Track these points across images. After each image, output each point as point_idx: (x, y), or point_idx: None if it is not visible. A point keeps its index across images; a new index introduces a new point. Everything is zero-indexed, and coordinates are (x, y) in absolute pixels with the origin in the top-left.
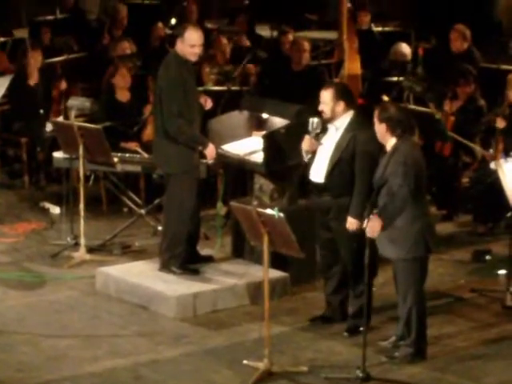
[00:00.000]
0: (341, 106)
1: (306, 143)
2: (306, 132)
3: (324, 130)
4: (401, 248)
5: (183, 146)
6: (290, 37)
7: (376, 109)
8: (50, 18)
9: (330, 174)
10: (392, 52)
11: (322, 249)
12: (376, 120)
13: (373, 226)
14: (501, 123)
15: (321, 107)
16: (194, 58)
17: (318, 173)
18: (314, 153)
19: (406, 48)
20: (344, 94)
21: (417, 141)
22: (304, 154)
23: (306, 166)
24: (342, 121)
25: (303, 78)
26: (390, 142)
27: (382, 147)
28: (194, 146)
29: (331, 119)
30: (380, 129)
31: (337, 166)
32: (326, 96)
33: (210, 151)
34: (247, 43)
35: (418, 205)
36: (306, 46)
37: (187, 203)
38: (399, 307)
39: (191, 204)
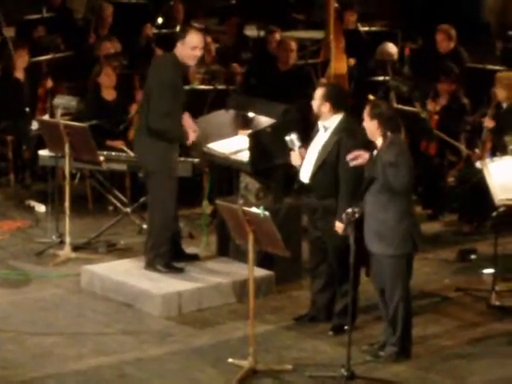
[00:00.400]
0: (326, 107)
1: (294, 159)
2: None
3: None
4: (389, 244)
5: (162, 146)
6: (277, 36)
7: (367, 106)
8: (36, 16)
9: (315, 176)
10: (378, 52)
11: (312, 246)
12: (367, 117)
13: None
14: (489, 123)
15: (313, 103)
16: (193, 62)
17: (305, 173)
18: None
19: (392, 48)
20: (332, 97)
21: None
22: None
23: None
24: (331, 122)
25: (289, 77)
26: (380, 139)
27: (370, 144)
28: (181, 141)
29: (318, 117)
30: (371, 125)
31: (321, 168)
32: (317, 94)
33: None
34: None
35: (406, 202)
36: (293, 45)
37: (169, 203)
38: (382, 307)
39: (173, 203)
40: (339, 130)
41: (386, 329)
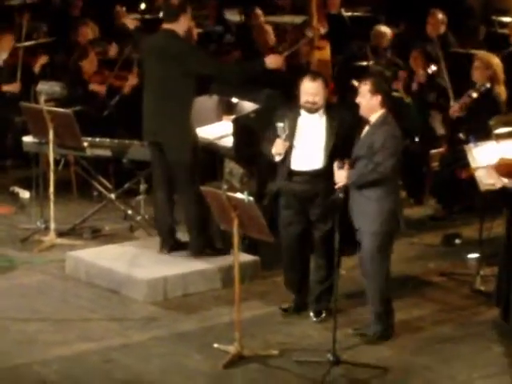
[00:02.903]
0: (327, 93)
1: (279, 147)
2: (276, 136)
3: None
4: (374, 221)
5: (188, 132)
6: (261, 18)
7: (366, 82)
8: (19, 2)
9: (330, 160)
10: (373, 36)
11: (290, 237)
12: (367, 93)
13: (341, 175)
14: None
15: (312, 98)
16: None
17: (307, 161)
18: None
19: (386, 29)
20: (327, 82)
21: None
22: (277, 157)
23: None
24: (323, 108)
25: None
26: (376, 115)
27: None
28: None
29: (319, 108)
30: (372, 101)
31: (333, 153)
32: (318, 87)
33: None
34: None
35: (393, 181)
36: (269, 29)
37: (198, 186)
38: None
39: (199, 184)
40: (333, 111)
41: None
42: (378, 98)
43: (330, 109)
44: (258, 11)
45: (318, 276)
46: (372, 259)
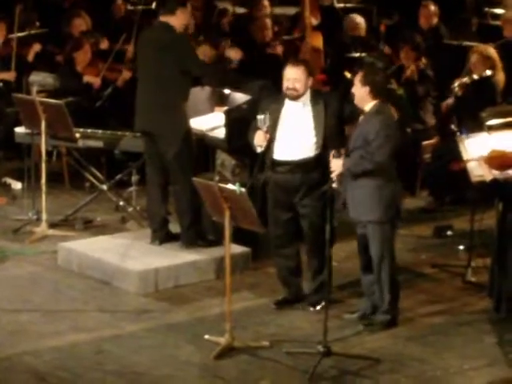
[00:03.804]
0: (310, 81)
1: (259, 138)
2: (257, 128)
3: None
4: (375, 210)
5: (182, 123)
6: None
7: (358, 72)
8: None
9: (320, 149)
10: (349, 27)
11: (278, 229)
12: (358, 83)
13: (337, 164)
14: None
15: (291, 84)
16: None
17: (290, 151)
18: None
19: (358, 17)
20: (312, 71)
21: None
22: (258, 148)
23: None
24: (306, 96)
25: (268, 55)
26: (369, 105)
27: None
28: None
29: (300, 96)
30: (362, 91)
31: (322, 140)
32: (299, 73)
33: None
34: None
35: (390, 170)
36: (268, 23)
37: (190, 176)
38: (364, 280)
39: (192, 176)
40: (316, 98)
41: (366, 301)
42: (366, 89)
43: (314, 96)
44: (265, 2)
45: (311, 267)
46: (378, 248)
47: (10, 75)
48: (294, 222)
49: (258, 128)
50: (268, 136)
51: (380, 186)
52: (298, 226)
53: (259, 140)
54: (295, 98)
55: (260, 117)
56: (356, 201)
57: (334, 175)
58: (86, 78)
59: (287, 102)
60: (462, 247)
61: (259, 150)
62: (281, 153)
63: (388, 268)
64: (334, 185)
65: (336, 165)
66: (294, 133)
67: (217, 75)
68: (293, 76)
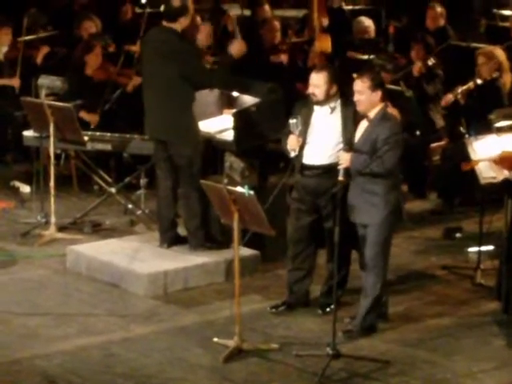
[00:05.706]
0: (334, 89)
1: (293, 142)
2: (289, 132)
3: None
4: (379, 213)
5: (191, 127)
6: (268, 14)
7: (364, 79)
8: None
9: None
10: (356, 30)
11: (297, 233)
12: (367, 89)
13: (345, 157)
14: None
15: (311, 89)
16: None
17: (318, 155)
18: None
19: (367, 21)
20: (336, 78)
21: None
22: (292, 153)
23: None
24: (336, 102)
25: (271, 64)
26: (375, 110)
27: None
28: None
29: (323, 101)
30: (372, 97)
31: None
32: (320, 79)
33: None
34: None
35: (396, 175)
36: (277, 25)
37: (199, 180)
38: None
39: (200, 179)
40: (347, 105)
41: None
42: (378, 94)
43: (345, 101)
44: (266, 7)
45: (328, 270)
46: (376, 251)
47: (14, 82)
48: (315, 226)
49: (290, 132)
50: (301, 140)
51: (387, 192)
52: (318, 232)
53: (292, 144)
54: (318, 103)
55: (292, 121)
56: (361, 206)
57: (341, 167)
58: (82, 115)
59: (316, 106)
60: (471, 249)
61: (293, 154)
62: (310, 157)
63: (383, 271)
64: (341, 177)
65: (344, 158)
66: (323, 137)
67: (220, 83)
68: (313, 82)
